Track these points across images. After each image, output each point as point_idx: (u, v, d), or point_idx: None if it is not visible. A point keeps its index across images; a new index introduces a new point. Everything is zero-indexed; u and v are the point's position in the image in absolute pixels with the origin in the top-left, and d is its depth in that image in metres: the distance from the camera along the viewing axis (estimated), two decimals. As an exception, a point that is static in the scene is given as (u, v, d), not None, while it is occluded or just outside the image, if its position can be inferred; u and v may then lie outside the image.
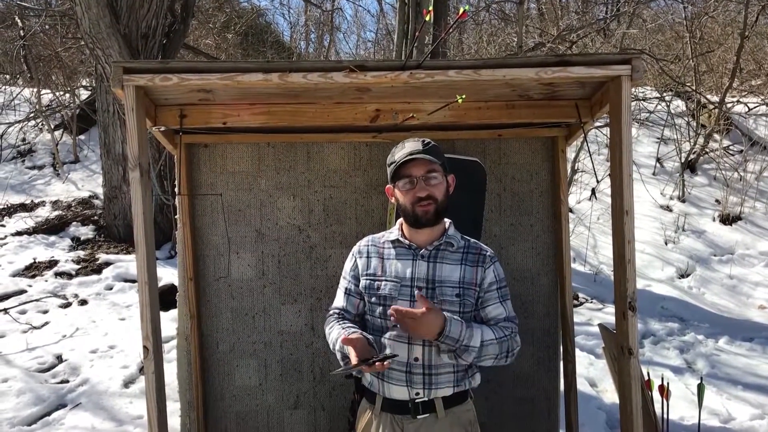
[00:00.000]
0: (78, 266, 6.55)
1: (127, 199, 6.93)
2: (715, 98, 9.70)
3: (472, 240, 2.26)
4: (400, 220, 2.24)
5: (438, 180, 2.11)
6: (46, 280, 6.22)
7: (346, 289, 2.28)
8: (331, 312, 2.30)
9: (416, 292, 2.08)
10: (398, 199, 2.17)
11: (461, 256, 2.17)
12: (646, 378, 3.31)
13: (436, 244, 2.15)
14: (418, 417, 2.12)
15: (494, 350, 2.07)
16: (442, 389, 2.11)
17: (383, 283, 2.16)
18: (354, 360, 1.93)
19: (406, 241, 2.18)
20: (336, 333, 2.12)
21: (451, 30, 8.23)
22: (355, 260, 2.28)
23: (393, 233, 2.24)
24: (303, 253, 3.37)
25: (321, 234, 3.37)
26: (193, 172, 3.34)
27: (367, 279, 2.21)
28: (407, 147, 2.12)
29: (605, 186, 8.29)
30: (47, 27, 10.94)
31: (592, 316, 6.14)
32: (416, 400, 2.11)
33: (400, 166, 2.10)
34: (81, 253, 6.90)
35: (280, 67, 2.39)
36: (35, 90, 10.17)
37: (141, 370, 4.58)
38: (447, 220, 2.24)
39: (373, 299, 2.17)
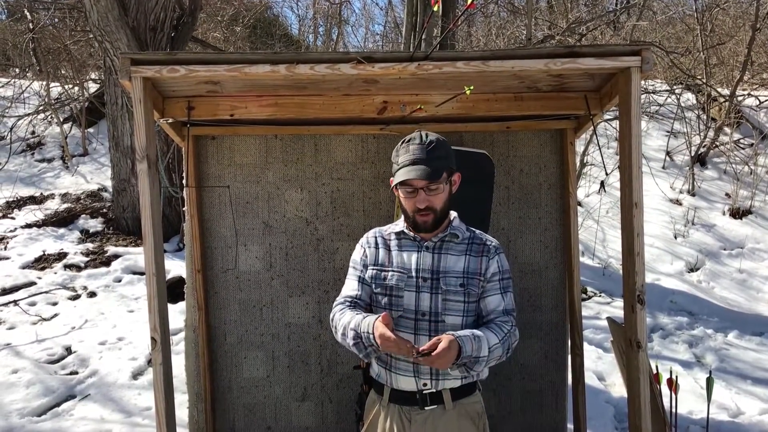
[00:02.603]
0: (87, 258, 6.58)
1: (136, 191, 6.96)
2: (726, 91, 9.62)
3: (477, 231, 2.26)
4: None
5: (439, 191, 2.08)
6: (56, 273, 6.25)
7: (359, 278, 2.24)
8: (340, 301, 2.23)
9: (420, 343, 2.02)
10: (399, 199, 2.17)
11: (466, 246, 2.17)
12: (655, 372, 3.29)
13: (441, 235, 2.16)
14: (426, 408, 2.12)
15: (498, 352, 2.06)
16: (450, 380, 2.11)
17: (389, 273, 2.16)
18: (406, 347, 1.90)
19: (411, 233, 2.18)
20: (357, 320, 2.05)
21: (459, 21, 8.20)
22: (364, 250, 2.27)
23: (398, 225, 2.24)
24: (310, 245, 3.37)
25: (328, 226, 3.37)
26: (201, 164, 3.34)
27: (374, 269, 2.21)
28: (410, 152, 2.07)
29: (614, 179, 8.24)
30: (56, 20, 10.96)
31: (601, 310, 6.12)
32: (424, 392, 2.11)
33: (401, 173, 2.07)
34: (90, 246, 6.93)
35: (288, 58, 2.39)
36: (44, 83, 10.20)
37: (149, 362, 4.60)
38: (452, 213, 2.23)
39: (379, 290, 2.17)
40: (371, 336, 1.97)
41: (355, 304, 2.20)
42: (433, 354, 1.87)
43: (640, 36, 10.12)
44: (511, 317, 2.18)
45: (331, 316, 2.22)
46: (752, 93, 10.21)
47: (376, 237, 2.28)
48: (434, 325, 2.10)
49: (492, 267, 2.17)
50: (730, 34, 10.42)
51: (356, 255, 2.30)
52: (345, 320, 2.10)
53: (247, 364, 3.40)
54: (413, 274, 2.13)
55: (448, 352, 1.89)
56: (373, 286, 2.19)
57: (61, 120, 10.08)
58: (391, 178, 2.21)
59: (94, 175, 9.19)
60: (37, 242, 6.99)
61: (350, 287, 2.25)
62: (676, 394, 3.40)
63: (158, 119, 2.81)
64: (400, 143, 2.15)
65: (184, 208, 3.33)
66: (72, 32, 10.50)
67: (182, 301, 3.44)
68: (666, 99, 9.76)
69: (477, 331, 2.02)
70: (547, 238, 3.39)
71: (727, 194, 8.57)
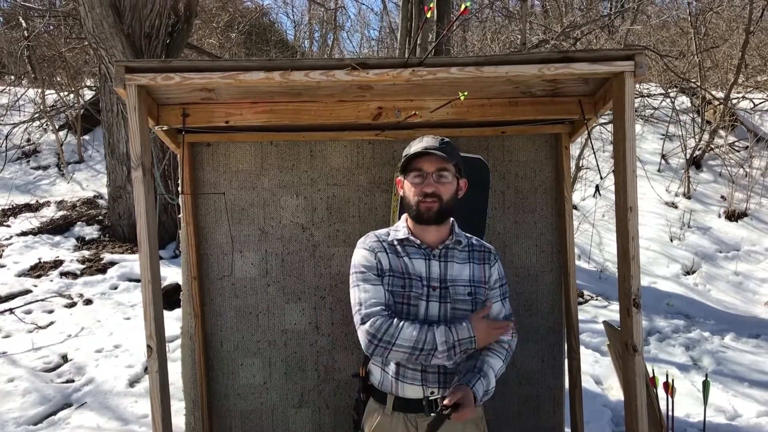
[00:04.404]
0: (83, 266, 6.57)
1: (132, 198, 6.95)
2: (721, 94, 9.66)
3: (474, 237, 2.26)
4: (405, 216, 2.22)
5: (447, 180, 2.10)
6: (51, 280, 6.24)
7: (382, 283, 2.10)
8: (378, 310, 2.05)
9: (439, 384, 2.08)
10: (405, 192, 2.15)
11: (468, 254, 2.18)
12: (651, 375, 3.30)
13: (446, 243, 2.15)
14: (432, 414, 2.11)
15: (502, 371, 2.15)
16: None
17: (406, 281, 2.12)
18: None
19: (417, 240, 2.16)
20: (438, 334, 2.00)
21: (453, 27, 8.22)
22: (376, 255, 2.14)
23: (399, 231, 2.20)
24: (306, 251, 3.37)
25: (324, 232, 3.37)
26: (197, 171, 3.34)
27: (390, 276, 2.12)
28: (425, 141, 2.12)
29: (610, 182, 8.28)
30: (51, 27, 10.97)
31: (597, 314, 6.13)
32: (430, 398, 2.10)
33: (413, 159, 2.10)
34: (86, 253, 6.91)
35: (282, 65, 2.39)
36: (39, 90, 10.20)
37: (146, 370, 4.59)
38: (451, 219, 2.23)
39: (397, 298, 2.15)
40: (473, 340, 2.03)
41: (390, 313, 2.06)
42: (459, 414, 1.93)
43: (635, 40, 10.17)
44: (510, 323, 2.22)
45: (378, 324, 2.02)
46: (746, 96, 10.26)
47: (381, 242, 2.18)
48: None
49: (494, 275, 2.19)
50: (724, 38, 10.47)
51: (368, 260, 2.14)
52: (414, 334, 1.99)
53: (244, 370, 3.40)
54: (422, 282, 2.11)
55: (472, 405, 1.96)
56: (390, 294, 2.12)
57: (57, 127, 10.07)
58: (398, 178, 2.22)
59: (90, 183, 9.18)
60: (33, 250, 6.97)
61: (378, 294, 2.08)
62: (672, 397, 3.41)
63: (153, 126, 2.81)
64: (413, 141, 2.19)
65: (180, 215, 3.33)
66: (67, 39, 10.50)
67: (179, 308, 3.43)
68: (661, 102, 9.80)
69: (484, 366, 2.08)
70: (543, 242, 3.39)
71: (722, 197, 8.60)
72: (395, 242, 2.19)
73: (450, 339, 2.00)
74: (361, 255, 2.17)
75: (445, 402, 1.93)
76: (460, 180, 2.17)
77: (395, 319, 2.02)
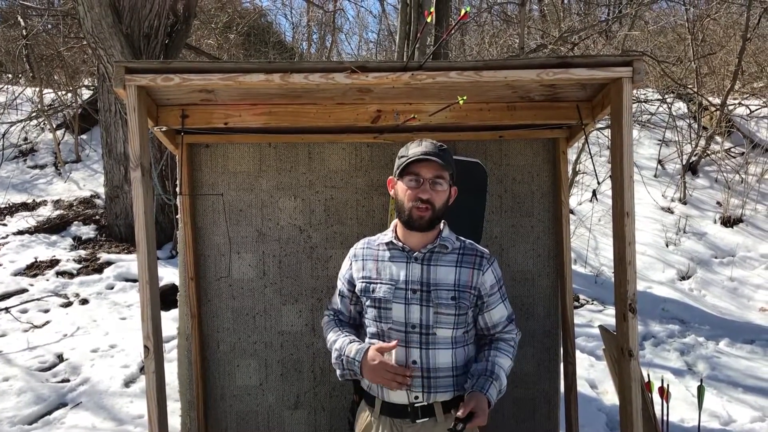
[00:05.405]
0: (79, 266, 6.56)
1: (129, 198, 6.95)
2: (717, 100, 9.70)
3: (468, 241, 2.26)
4: (395, 221, 2.24)
5: (442, 187, 2.11)
6: (48, 280, 6.23)
7: (339, 291, 2.34)
8: (328, 311, 2.40)
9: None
10: (398, 194, 2.16)
11: (457, 257, 2.17)
12: (646, 380, 3.30)
13: (430, 246, 2.15)
14: (418, 421, 2.11)
15: (510, 368, 2.19)
16: (441, 393, 2.11)
17: (378, 286, 2.15)
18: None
19: (400, 243, 2.17)
20: (339, 341, 2.21)
21: (452, 31, 8.24)
22: (350, 263, 2.30)
23: (387, 235, 2.23)
24: (304, 253, 3.37)
25: (322, 234, 3.37)
26: (195, 172, 3.34)
27: (362, 282, 2.21)
28: (423, 146, 2.12)
29: (606, 188, 8.30)
30: (50, 26, 10.95)
31: (593, 318, 6.14)
32: (415, 405, 2.10)
33: (411, 163, 2.10)
34: (82, 253, 6.90)
35: (282, 67, 2.39)
36: (37, 89, 10.18)
37: (142, 370, 4.58)
38: (441, 222, 2.23)
39: (369, 302, 2.17)
40: (356, 363, 2.11)
41: (338, 318, 2.35)
42: (473, 423, 1.96)
43: (632, 45, 10.21)
44: (512, 323, 2.28)
45: (322, 322, 2.41)
46: (743, 102, 10.29)
47: (363, 249, 2.29)
48: (425, 338, 2.10)
49: (488, 280, 2.18)
50: (721, 44, 10.51)
51: (343, 267, 2.36)
52: (331, 340, 2.28)
53: (240, 372, 3.40)
54: (402, 285, 2.12)
55: (485, 412, 1.99)
56: (363, 298, 2.19)
57: (54, 126, 10.06)
58: (390, 178, 2.22)
59: (87, 182, 9.17)
60: (29, 249, 6.96)
61: (334, 299, 2.40)
62: (667, 402, 3.42)
63: (152, 127, 2.81)
64: (410, 142, 2.19)
65: (177, 216, 3.33)
66: (65, 39, 10.49)
67: (175, 308, 3.44)
68: (658, 108, 9.83)
69: (495, 367, 2.12)
70: (540, 246, 3.40)
71: (718, 203, 8.63)
72: (381, 246, 2.23)
73: (343, 352, 2.16)
74: (344, 261, 2.38)
75: (458, 414, 1.94)
76: (452, 188, 2.19)
77: (333, 322, 2.33)
